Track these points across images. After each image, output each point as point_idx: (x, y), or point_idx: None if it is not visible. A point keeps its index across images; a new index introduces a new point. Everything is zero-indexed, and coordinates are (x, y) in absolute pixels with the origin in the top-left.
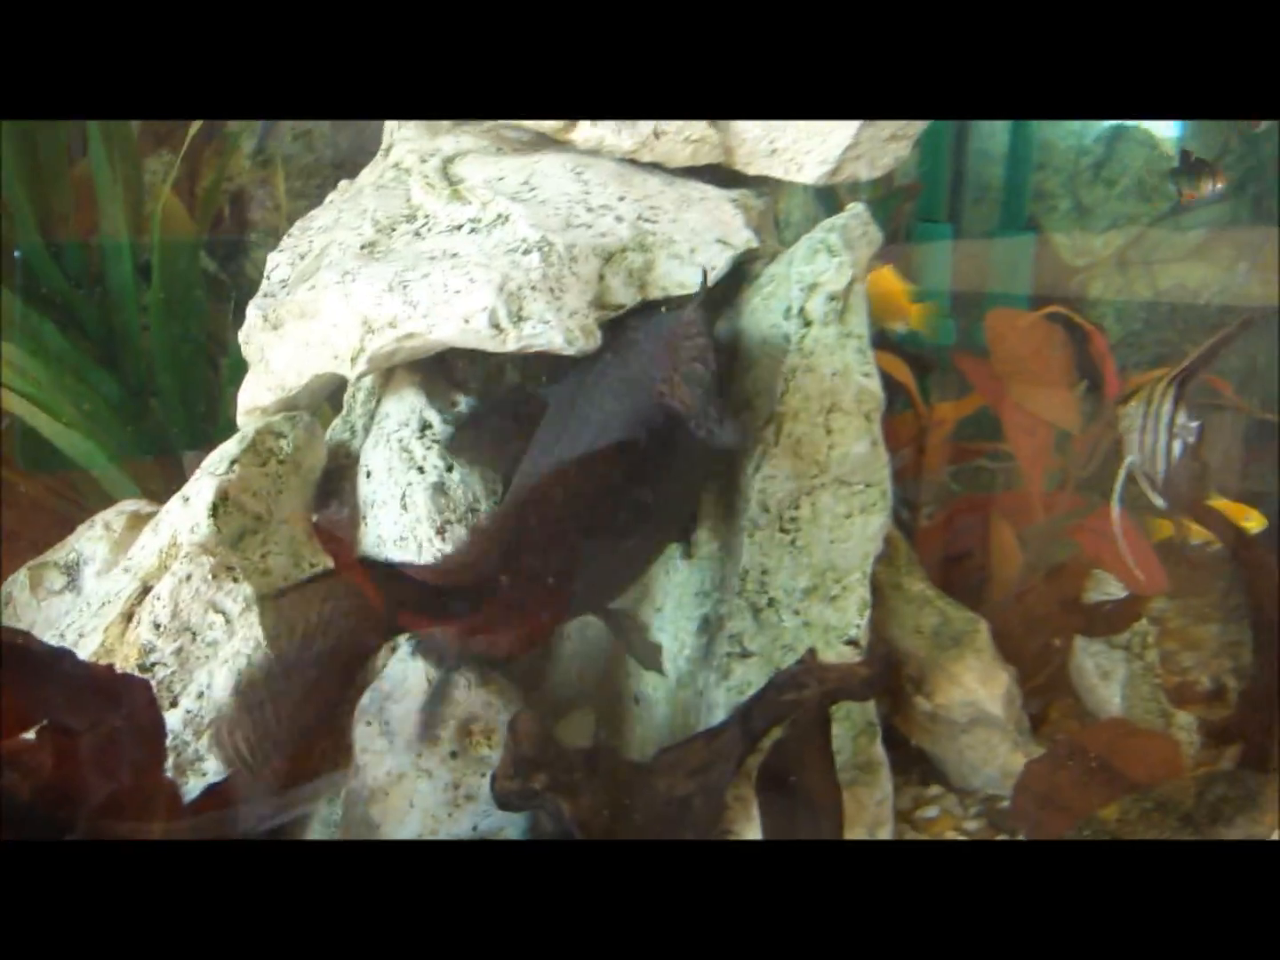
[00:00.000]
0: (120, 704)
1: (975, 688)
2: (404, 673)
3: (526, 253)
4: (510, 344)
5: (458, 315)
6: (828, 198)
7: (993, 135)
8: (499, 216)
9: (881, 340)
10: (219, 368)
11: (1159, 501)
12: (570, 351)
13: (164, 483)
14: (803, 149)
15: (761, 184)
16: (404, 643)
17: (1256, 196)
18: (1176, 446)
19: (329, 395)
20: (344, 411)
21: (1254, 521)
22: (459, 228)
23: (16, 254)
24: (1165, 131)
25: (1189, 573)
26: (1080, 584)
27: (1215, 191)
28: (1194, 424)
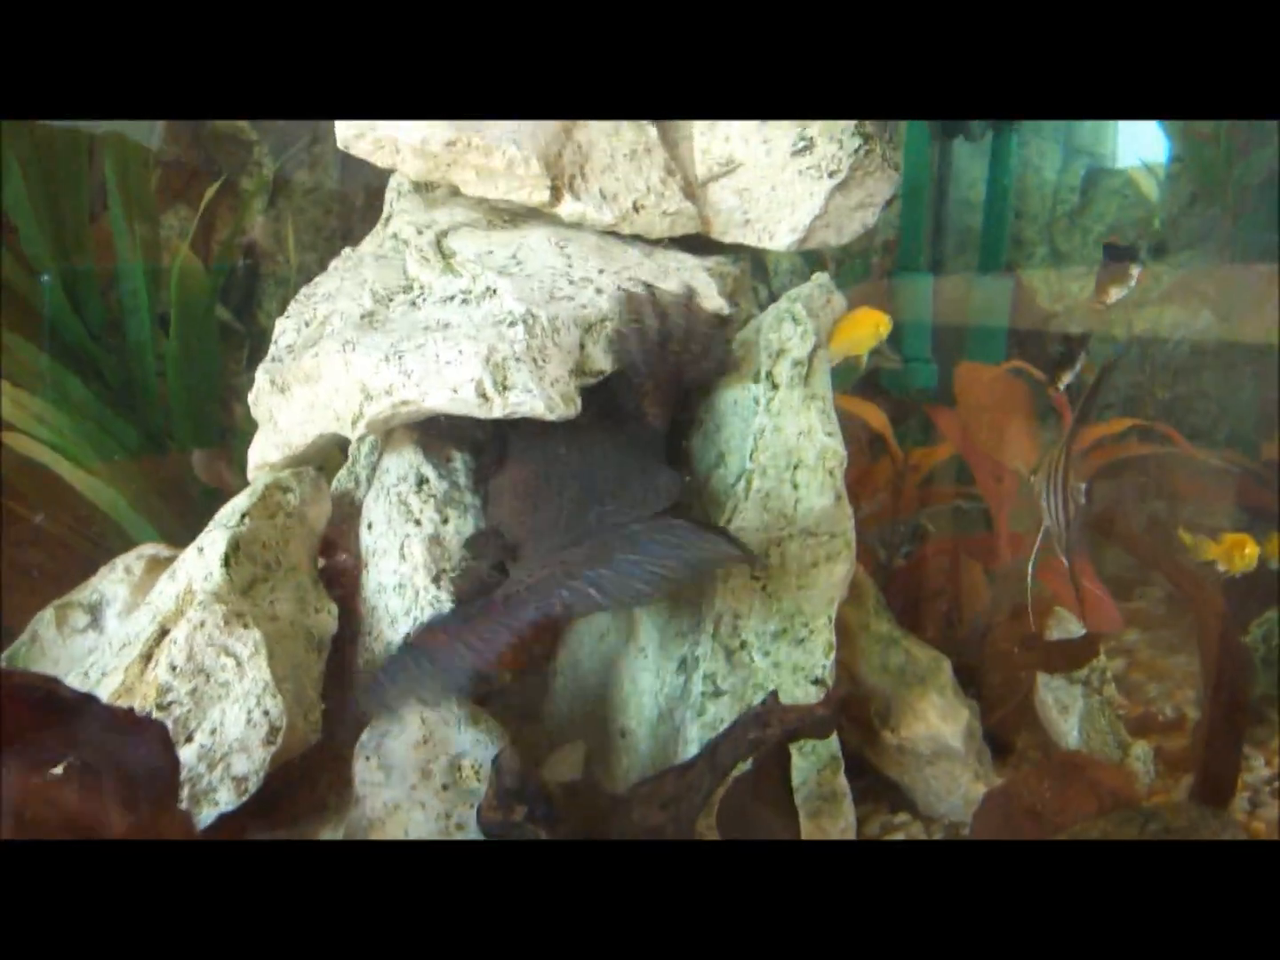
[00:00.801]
0: (139, 743)
1: (937, 723)
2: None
3: (512, 325)
4: (496, 411)
5: (447, 385)
6: (812, 252)
7: (972, 185)
8: (487, 289)
9: (865, 386)
10: (234, 413)
11: (1064, 559)
12: (551, 417)
13: (180, 524)
14: (774, 218)
15: (739, 250)
16: None
17: (1220, 243)
18: (1072, 509)
19: (337, 445)
20: (349, 463)
21: (1251, 550)
22: (451, 299)
23: (45, 278)
24: (1141, 171)
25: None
26: (1041, 622)
27: (1135, 279)
28: (1082, 485)
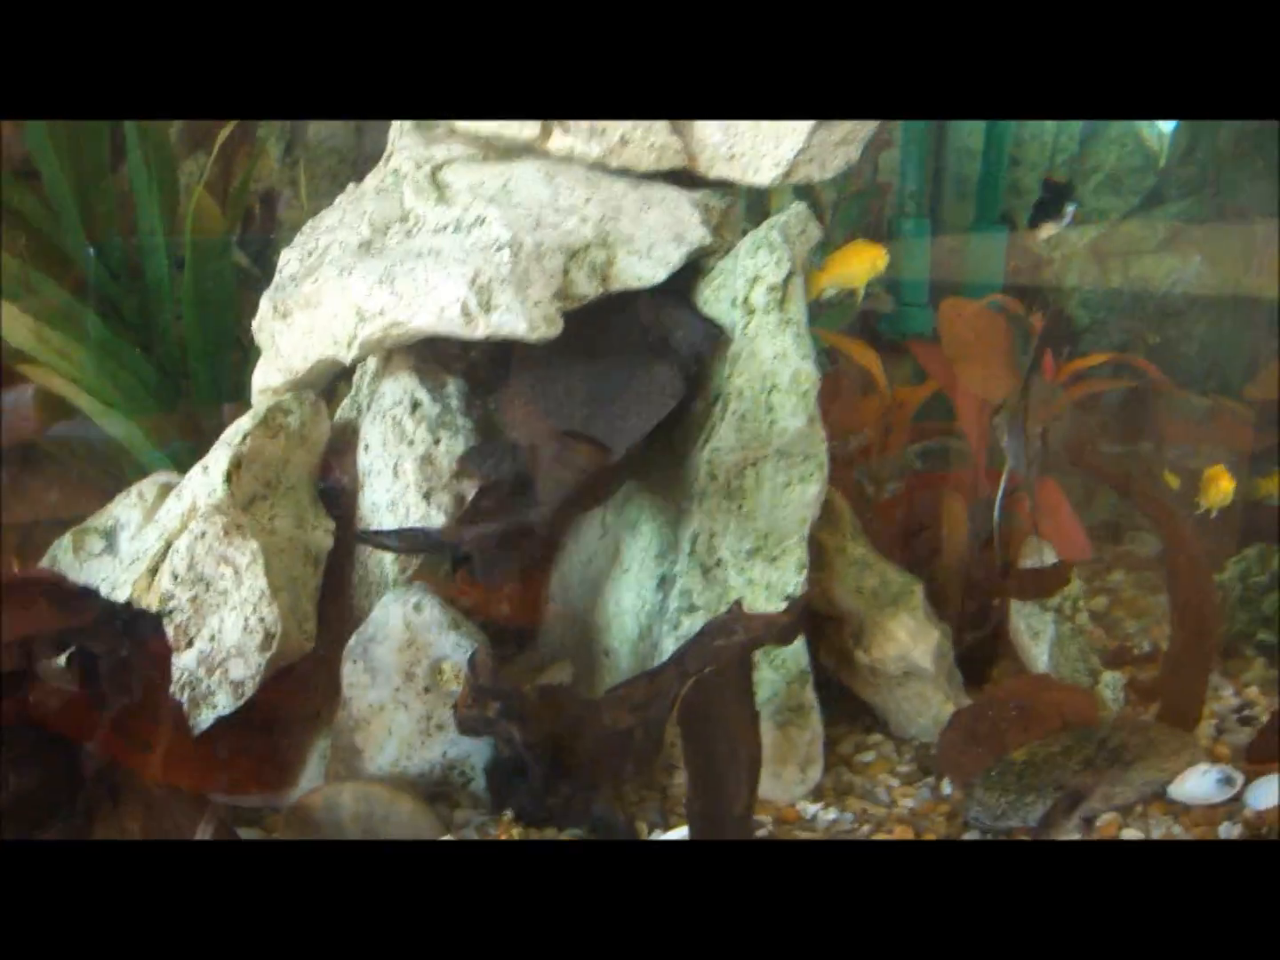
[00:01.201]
0: (134, 633)
1: (908, 643)
2: (386, 618)
3: (498, 250)
4: (480, 331)
5: (435, 305)
6: (808, 196)
7: (972, 132)
8: (478, 218)
9: (861, 327)
10: (249, 353)
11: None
12: (533, 338)
13: (193, 457)
14: (758, 153)
15: (729, 186)
16: (388, 591)
17: (1216, 195)
18: (1030, 451)
19: (338, 377)
20: (352, 392)
21: (1226, 484)
22: (444, 228)
23: (91, 251)
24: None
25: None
26: (1015, 551)
27: (1069, 217)
28: (1038, 430)
